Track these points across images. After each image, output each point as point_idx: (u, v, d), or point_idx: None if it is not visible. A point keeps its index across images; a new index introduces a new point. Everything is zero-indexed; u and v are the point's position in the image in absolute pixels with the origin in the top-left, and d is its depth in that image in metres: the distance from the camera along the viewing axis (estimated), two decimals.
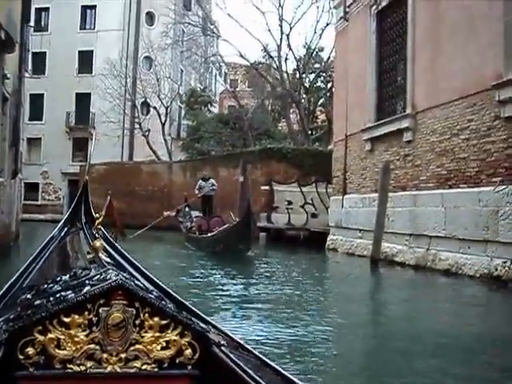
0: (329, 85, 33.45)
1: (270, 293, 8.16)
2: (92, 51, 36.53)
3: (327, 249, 16.29)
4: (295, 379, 1.63)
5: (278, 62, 29.24)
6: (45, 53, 36.47)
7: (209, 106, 35.92)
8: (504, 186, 8.97)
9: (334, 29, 17.75)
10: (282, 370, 1.68)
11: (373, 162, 13.87)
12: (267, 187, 22.22)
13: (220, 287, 8.44)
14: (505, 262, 8.91)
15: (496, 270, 9.05)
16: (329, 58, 31.47)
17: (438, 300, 8.29)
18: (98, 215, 3.23)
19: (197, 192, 16.98)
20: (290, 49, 29.21)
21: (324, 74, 33.36)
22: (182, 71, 39.05)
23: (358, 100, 14.69)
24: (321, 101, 33.89)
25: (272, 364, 1.74)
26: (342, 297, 8.48)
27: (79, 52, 36.80)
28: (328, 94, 32.99)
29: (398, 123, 12.41)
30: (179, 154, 32.89)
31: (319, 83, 33.67)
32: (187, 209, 17.76)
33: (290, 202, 22.19)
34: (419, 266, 11.14)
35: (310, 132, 29.86)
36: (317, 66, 33.32)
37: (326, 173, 21.29)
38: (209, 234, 14.46)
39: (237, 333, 5.18)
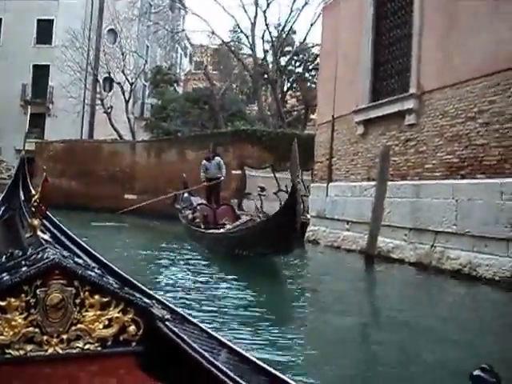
0: (300, 69, 32.42)
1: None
2: (52, 20, 34.13)
3: (307, 240, 14.98)
4: (240, 350, 1.58)
5: (251, 41, 27.77)
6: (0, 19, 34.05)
7: (175, 85, 34.24)
8: None
9: (323, 3, 16.39)
10: (228, 342, 1.64)
11: (366, 146, 12.61)
12: (239, 172, 20.87)
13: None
14: None
15: None
16: (304, 39, 30.31)
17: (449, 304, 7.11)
18: (34, 192, 2.66)
19: (202, 177, 14.13)
20: (267, 26, 27.74)
21: (296, 58, 32.20)
22: (148, 47, 37.10)
23: (348, 79, 13.37)
24: (291, 85, 32.84)
25: (217, 336, 1.69)
26: (350, 301, 7.22)
27: (38, 21, 34.29)
28: (301, 78, 31.95)
29: (400, 104, 11.15)
30: (142, 134, 31.16)
31: (290, 67, 32.50)
32: (186, 194, 14.73)
33: (262, 189, 20.86)
34: (421, 264, 9.94)
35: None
36: (288, 48, 32.13)
37: (303, 158, 20.04)
38: (224, 230, 10.85)
39: None
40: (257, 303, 6.43)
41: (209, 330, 1.74)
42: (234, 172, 20.74)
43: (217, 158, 14.47)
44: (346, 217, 13.03)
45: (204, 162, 14.37)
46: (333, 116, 14.22)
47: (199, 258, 10.43)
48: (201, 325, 1.78)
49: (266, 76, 30.02)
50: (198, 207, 13.02)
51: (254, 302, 6.52)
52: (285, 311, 6.29)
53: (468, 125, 9.28)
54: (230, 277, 8.11)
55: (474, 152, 9.09)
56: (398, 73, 11.79)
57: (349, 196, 13.05)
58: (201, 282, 7.56)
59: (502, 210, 8.28)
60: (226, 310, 5.83)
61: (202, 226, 11.88)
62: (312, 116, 31.64)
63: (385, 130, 11.81)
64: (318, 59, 30.47)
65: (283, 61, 31.33)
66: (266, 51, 29.68)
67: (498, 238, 8.35)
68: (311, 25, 28.60)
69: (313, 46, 31.41)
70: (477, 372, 1.05)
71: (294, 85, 33.10)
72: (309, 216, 16.95)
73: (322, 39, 16.29)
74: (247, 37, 28.43)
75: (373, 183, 11.58)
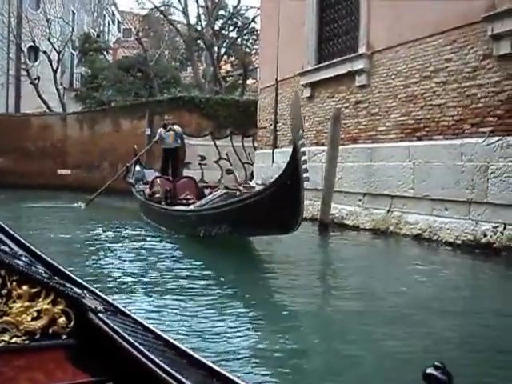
0: (233, 33, 31.72)
1: None
2: None
3: None
4: (176, 343, 1.51)
5: (184, 4, 26.79)
6: None
7: (105, 53, 32.78)
8: (498, 138, 7.54)
9: None
10: (163, 334, 1.56)
11: (313, 110, 12.16)
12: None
13: None
14: (496, 227, 7.56)
15: (484, 235, 7.69)
16: (238, 2, 29.55)
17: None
18: None
19: (156, 138, 13.34)
20: None
21: (229, 22, 31.43)
22: (75, 14, 35.25)
23: (292, 40, 12.82)
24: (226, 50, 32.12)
25: (153, 329, 1.60)
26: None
27: None
28: (236, 43, 31.29)
29: (349, 65, 10.71)
30: (73, 105, 29.69)
31: (224, 31, 31.72)
32: (138, 167, 13.41)
33: (203, 158, 20.32)
34: (379, 230, 9.67)
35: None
36: (222, 12, 31.30)
37: (243, 124, 19.64)
38: (194, 206, 9.28)
39: None
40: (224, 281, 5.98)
41: (144, 323, 1.63)
42: None
43: (175, 126, 13.46)
44: None
45: (161, 129, 13.40)
46: (276, 79, 13.70)
47: (160, 239, 9.09)
48: (136, 317, 1.68)
49: (200, 41, 29.19)
50: (158, 180, 11.48)
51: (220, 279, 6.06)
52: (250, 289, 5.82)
53: (423, 84, 8.95)
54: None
55: (431, 113, 8.78)
56: (345, 32, 11.33)
57: None
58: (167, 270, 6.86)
59: (463, 171, 8.02)
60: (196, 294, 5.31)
61: (163, 203, 10.50)
62: (247, 81, 31.09)
63: (333, 92, 11.38)
64: (254, 23, 29.97)
65: (217, 25, 30.51)
66: (199, 15, 28.79)
67: (458, 200, 8.11)
68: None
69: (247, 9, 30.73)
70: (429, 370, 1.06)
71: (229, 50, 32.39)
72: (253, 184, 16.57)
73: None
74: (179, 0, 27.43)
75: (322, 148, 11.22)
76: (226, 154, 20.52)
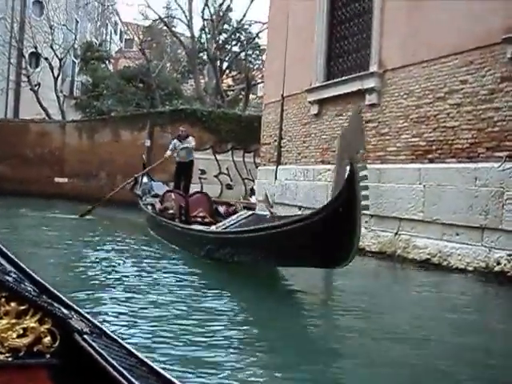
0: (236, 48, 31.71)
1: None
2: None
3: None
4: (159, 369, 1.49)
5: (189, 16, 26.68)
6: None
7: (106, 62, 32.63)
8: None
9: None
10: (147, 360, 1.54)
11: (320, 128, 11.93)
12: None
13: None
14: (510, 255, 7.31)
15: (498, 263, 7.44)
16: (244, 16, 29.55)
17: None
18: None
19: (169, 153, 12.95)
20: (207, 1, 26.70)
21: (233, 36, 31.40)
22: (78, 22, 35.13)
23: (300, 55, 12.61)
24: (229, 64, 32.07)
25: (137, 353, 1.59)
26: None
27: None
28: (238, 57, 31.27)
29: (359, 83, 10.49)
30: (73, 113, 29.47)
31: (227, 45, 31.68)
32: (145, 179, 12.85)
33: (203, 171, 20.12)
34: (385, 254, 9.41)
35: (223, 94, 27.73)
36: (226, 27, 31.26)
37: (245, 140, 19.49)
38: (216, 227, 8.28)
39: None
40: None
41: (128, 347, 1.60)
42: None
43: (190, 137, 13.12)
44: (298, 202, 12.36)
45: (175, 141, 13.05)
46: (282, 95, 13.47)
47: (174, 259, 8.38)
48: (120, 341, 1.65)
49: (202, 54, 29.15)
50: (172, 195, 10.75)
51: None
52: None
53: (437, 106, 8.73)
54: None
55: (444, 135, 8.55)
56: (355, 50, 11.12)
57: (301, 180, 12.38)
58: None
59: (477, 196, 7.78)
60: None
61: (177, 219, 9.70)
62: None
63: (342, 110, 11.16)
64: (258, 38, 29.95)
65: (220, 39, 30.48)
66: (203, 28, 28.72)
67: (471, 226, 7.87)
68: (251, 0, 27.81)
69: (250, 25, 30.72)
70: None
71: (231, 64, 32.36)
72: (253, 200, 16.36)
73: (270, 12, 15.40)
74: (184, 12, 27.35)
75: (328, 167, 11.00)
76: (227, 169, 20.37)
